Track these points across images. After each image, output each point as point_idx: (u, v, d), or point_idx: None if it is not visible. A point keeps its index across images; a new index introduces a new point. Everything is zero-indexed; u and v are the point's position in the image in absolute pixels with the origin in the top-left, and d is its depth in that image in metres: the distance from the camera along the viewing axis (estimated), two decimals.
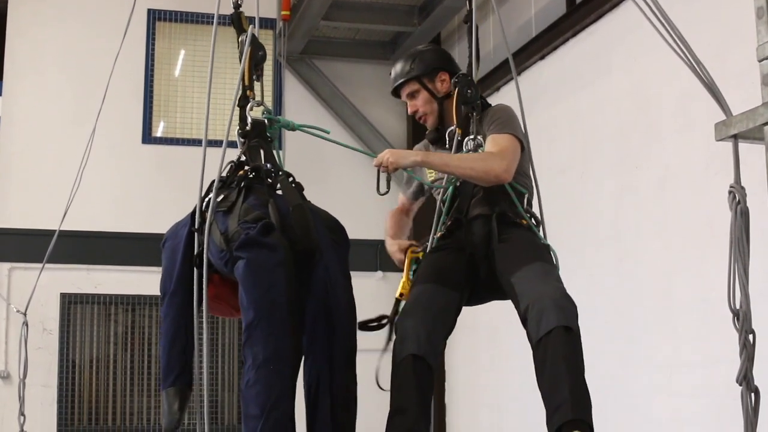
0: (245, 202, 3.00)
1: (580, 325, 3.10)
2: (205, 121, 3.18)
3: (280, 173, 3.16)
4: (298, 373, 2.82)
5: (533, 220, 3.47)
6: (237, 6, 3.43)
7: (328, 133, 3.40)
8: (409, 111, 3.71)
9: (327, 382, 2.81)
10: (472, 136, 3.52)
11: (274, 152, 3.29)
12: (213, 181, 3.17)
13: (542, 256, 3.28)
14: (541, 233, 3.47)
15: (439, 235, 3.55)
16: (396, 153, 3.39)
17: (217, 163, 3.20)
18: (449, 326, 3.26)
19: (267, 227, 2.85)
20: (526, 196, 3.51)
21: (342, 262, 2.96)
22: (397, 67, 3.71)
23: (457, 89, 3.53)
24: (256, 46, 3.28)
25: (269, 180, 3.15)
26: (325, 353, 2.84)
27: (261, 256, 2.77)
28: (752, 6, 2.29)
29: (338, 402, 2.82)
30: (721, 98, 2.44)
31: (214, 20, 3.36)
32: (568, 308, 3.01)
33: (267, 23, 9.78)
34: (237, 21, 3.47)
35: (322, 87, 10.03)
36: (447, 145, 3.61)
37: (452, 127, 3.57)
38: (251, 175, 3.10)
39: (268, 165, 3.19)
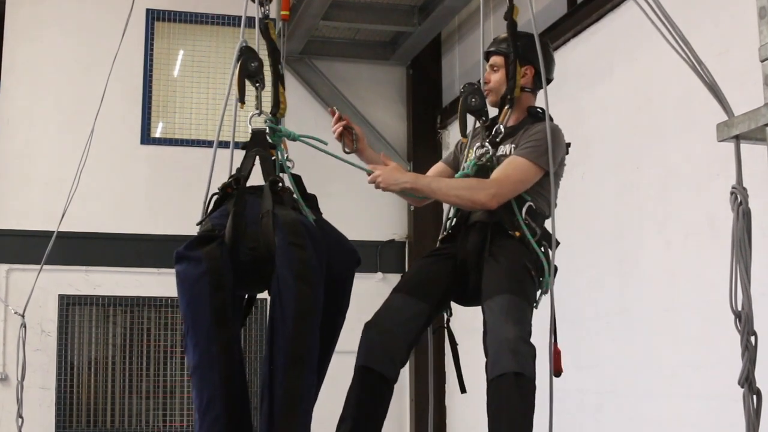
0: (211, 214, 3.10)
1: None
2: (217, 130, 3.16)
3: (269, 180, 3.14)
4: (233, 375, 2.90)
5: (529, 230, 3.46)
6: (266, 16, 3.39)
7: (326, 144, 3.42)
8: (484, 78, 3.72)
9: (268, 384, 2.87)
10: (479, 144, 3.57)
11: (281, 158, 3.30)
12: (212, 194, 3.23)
13: (516, 285, 3.27)
14: (534, 243, 3.45)
15: (441, 236, 3.63)
16: (387, 177, 3.40)
17: (219, 166, 3.21)
18: (413, 337, 3.33)
19: (197, 240, 2.95)
20: (528, 203, 3.50)
21: (299, 265, 2.90)
22: (501, 37, 3.75)
23: (461, 98, 3.58)
24: (249, 58, 3.26)
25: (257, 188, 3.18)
26: (268, 357, 2.90)
27: (187, 269, 2.90)
28: (754, 6, 2.28)
29: (278, 404, 2.84)
30: (722, 99, 2.43)
31: (242, 23, 3.31)
32: (522, 352, 3.06)
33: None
34: (265, 31, 3.39)
35: (321, 87, 10.01)
36: (487, 140, 3.60)
37: (498, 125, 3.61)
38: (230, 186, 3.15)
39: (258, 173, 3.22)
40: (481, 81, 3.72)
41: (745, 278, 2.28)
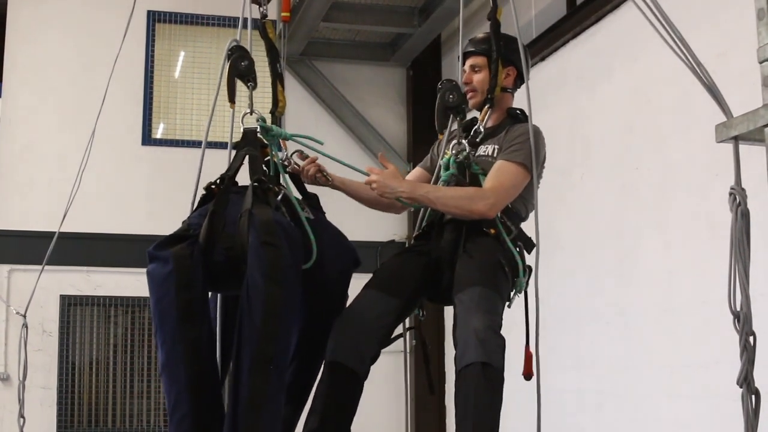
0: (192, 213, 3.09)
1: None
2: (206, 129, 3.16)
3: (253, 179, 3.11)
4: (201, 374, 2.88)
5: (505, 229, 3.45)
6: (264, 15, 3.39)
7: (321, 144, 3.42)
8: (464, 79, 3.69)
9: (232, 384, 2.85)
10: (456, 141, 3.57)
11: (277, 159, 3.29)
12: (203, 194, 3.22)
13: (488, 278, 3.24)
14: (509, 242, 3.44)
15: (416, 234, 3.62)
16: (382, 183, 3.35)
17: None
18: (384, 332, 3.30)
19: (167, 240, 2.95)
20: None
21: (269, 264, 2.85)
22: (479, 37, 3.71)
23: (439, 94, 3.56)
24: (239, 57, 3.25)
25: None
26: (235, 356, 2.87)
27: (156, 269, 2.90)
28: (753, 7, 2.29)
29: (241, 406, 2.80)
30: (721, 100, 2.43)
31: (239, 23, 3.31)
32: (489, 342, 3.01)
33: None
34: (263, 30, 3.40)
35: (322, 88, 10.03)
36: (468, 139, 3.60)
37: (478, 125, 3.61)
38: (213, 186, 3.15)
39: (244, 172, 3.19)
40: (460, 81, 3.68)
41: (743, 279, 2.29)
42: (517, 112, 3.67)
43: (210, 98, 3.32)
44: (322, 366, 3.20)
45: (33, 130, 9.47)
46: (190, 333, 2.87)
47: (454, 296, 3.21)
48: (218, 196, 3.05)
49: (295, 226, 3.08)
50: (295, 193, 3.32)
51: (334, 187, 3.63)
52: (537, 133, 3.54)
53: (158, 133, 9.83)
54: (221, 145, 3.35)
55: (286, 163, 3.35)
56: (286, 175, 3.34)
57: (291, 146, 3.41)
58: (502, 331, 3.13)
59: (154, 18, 9.79)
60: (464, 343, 3.03)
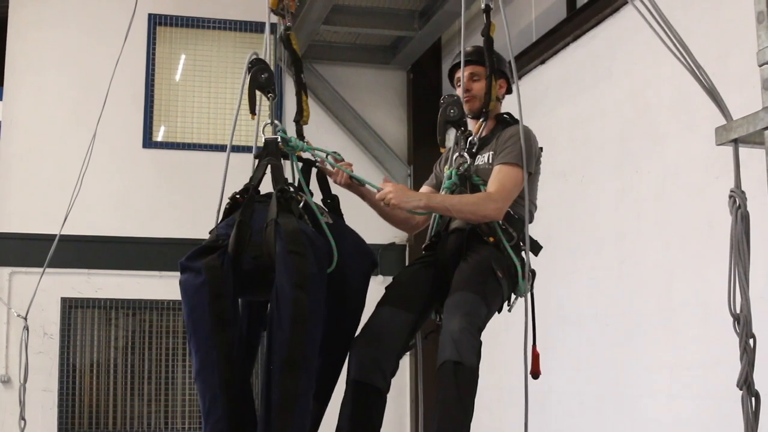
0: (220, 223, 3.18)
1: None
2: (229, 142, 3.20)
3: (277, 189, 3.19)
4: (234, 378, 2.99)
5: (506, 235, 3.55)
6: (288, 28, 3.45)
7: (341, 159, 3.52)
8: (465, 86, 3.78)
9: (265, 387, 2.95)
10: (458, 154, 3.70)
11: (295, 168, 3.39)
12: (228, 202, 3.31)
13: (475, 283, 3.35)
14: (509, 249, 3.53)
15: (425, 245, 3.73)
16: (399, 195, 3.42)
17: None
18: (401, 346, 3.42)
19: (199, 251, 3.04)
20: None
21: (297, 272, 2.96)
22: (475, 48, 3.83)
23: (440, 109, 3.66)
24: (259, 69, 3.32)
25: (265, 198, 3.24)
26: (266, 360, 2.97)
27: (188, 279, 3.01)
28: (752, 10, 2.30)
29: (273, 408, 2.91)
30: (721, 102, 2.44)
31: (265, 33, 3.36)
32: (463, 342, 3.13)
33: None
34: (287, 42, 3.52)
35: (322, 91, 10.04)
36: (465, 151, 3.73)
37: (472, 137, 3.72)
38: (238, 196, 3.23)
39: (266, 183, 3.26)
40: (460, 90, 3.79)
41: (743, 281, 2.29)
42: (505, 116, 3.82)
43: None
44: (346, 385, 3.29)
45: (34, 133, 9.48)
46: (223, 340, 2.98)
47: (446, 301, 3.33)
48: (244, 206, 3.14)
49: (318, 234, 3.18)
50: (316, 199, 3.41)
51: (362, 192, 3.67)
52: (527, 132, 3.65)
53: (159, 135, 9.82)
54: (235, 149, 3.39)
55: (318, 161, 3.45)
56: (312, 171, 3.45)
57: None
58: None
59: (155, 21, 9.80)
60: (442, 343, 3.16)
